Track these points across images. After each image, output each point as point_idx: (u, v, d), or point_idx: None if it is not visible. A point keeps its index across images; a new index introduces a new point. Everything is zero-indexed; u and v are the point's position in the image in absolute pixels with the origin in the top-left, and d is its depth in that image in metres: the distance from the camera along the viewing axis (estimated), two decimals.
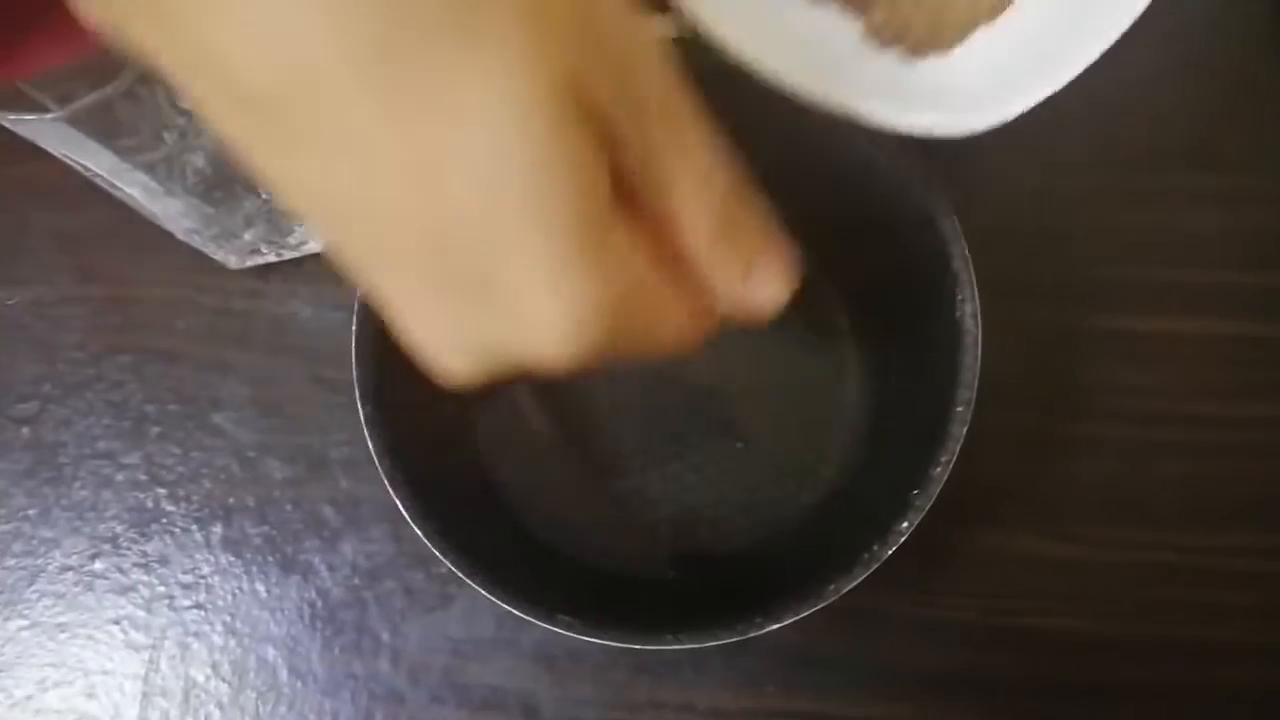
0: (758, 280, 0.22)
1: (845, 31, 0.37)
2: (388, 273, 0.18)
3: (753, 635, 0.33)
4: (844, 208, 0.40)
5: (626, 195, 0.18)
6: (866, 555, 0.33)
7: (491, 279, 0.17)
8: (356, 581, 0.42)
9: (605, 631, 0.34)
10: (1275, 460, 0.41)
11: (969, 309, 0.35)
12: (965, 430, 0.34)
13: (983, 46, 0.34)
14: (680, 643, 0.33)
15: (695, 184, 0.19)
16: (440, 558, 0.34)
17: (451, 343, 0.19)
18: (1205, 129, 0.43)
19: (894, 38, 0.36)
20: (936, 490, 0.33)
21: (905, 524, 0.33)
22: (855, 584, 0.33)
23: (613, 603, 0.38)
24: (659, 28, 0.40)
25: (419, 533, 0.34)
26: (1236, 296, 0.42)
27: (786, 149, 0.39)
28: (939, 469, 0.33)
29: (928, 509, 0.33)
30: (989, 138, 0.43)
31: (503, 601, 0.34)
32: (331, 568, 0.42)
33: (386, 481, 0.35)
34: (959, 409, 0.34)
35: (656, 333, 0.20)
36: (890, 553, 0.33)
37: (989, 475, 0.41)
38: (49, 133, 0.32)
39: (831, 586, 0.33)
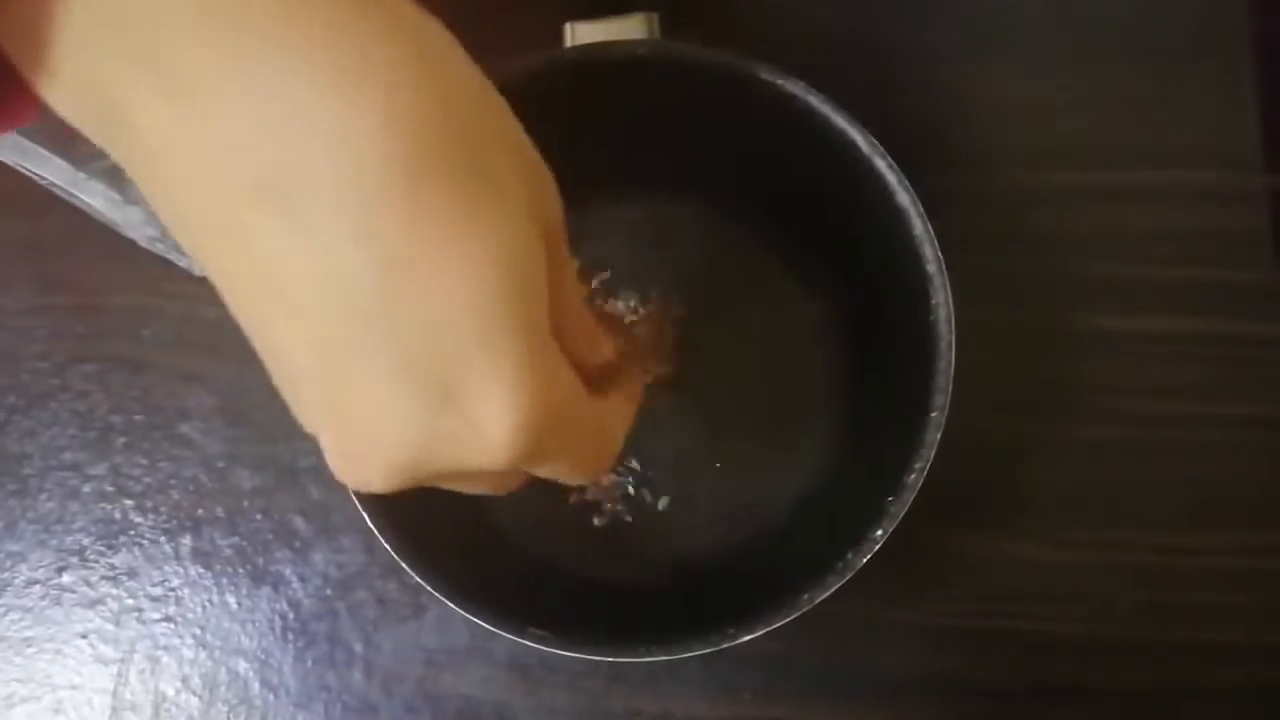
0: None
1: None
2: (354, 363, 0.18)
3: (726, 646, 0.32)
4: (819, 210, 0.40)
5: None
6: (840, 564, 0.33)
7: (452, 378, 0.18)
8: (328, 592, 0.41)
9: (578, 644, 0.34)
10: (1262, 460, 0.41)
11: (943, 313, 0.34)
12: (940, 436, 0.33)
13: None
14: (653, 654, 0.33)
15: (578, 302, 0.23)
16: (408, 570, 0.34)
17: (394, 438, 0.19)
18: (1187, 127, 0.43)
19: None
20: (911, 497, 0.33)
21: (880, 531, 0.33)
22: (829, 593, 0.32)
23: (585, 613, 0.37)
24: (628, 29, 0.40)
25: (387, 546, 0.34)
26: (1222, 295, 0.42)
27: (759, 144, 0.39)
28: (913, 475, 0.33)
29: (903, 515, 0.33)
30: (965, 137, 0.44)
31: (474, 616, 0.33)
32: (303, 578, 0.42)
33: (353, 492, 0.35)
34: (933, 415, 0.33)
35: (576, 447, 0.22)
36: (865, 560, 0.33)
37: (970, 478, 0.40)
38: (4, 144, 0.32)
39: (805, 596, 0.32)
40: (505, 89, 0.20)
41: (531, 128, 0.20)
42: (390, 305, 0.17)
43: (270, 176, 0.16)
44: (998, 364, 0.41)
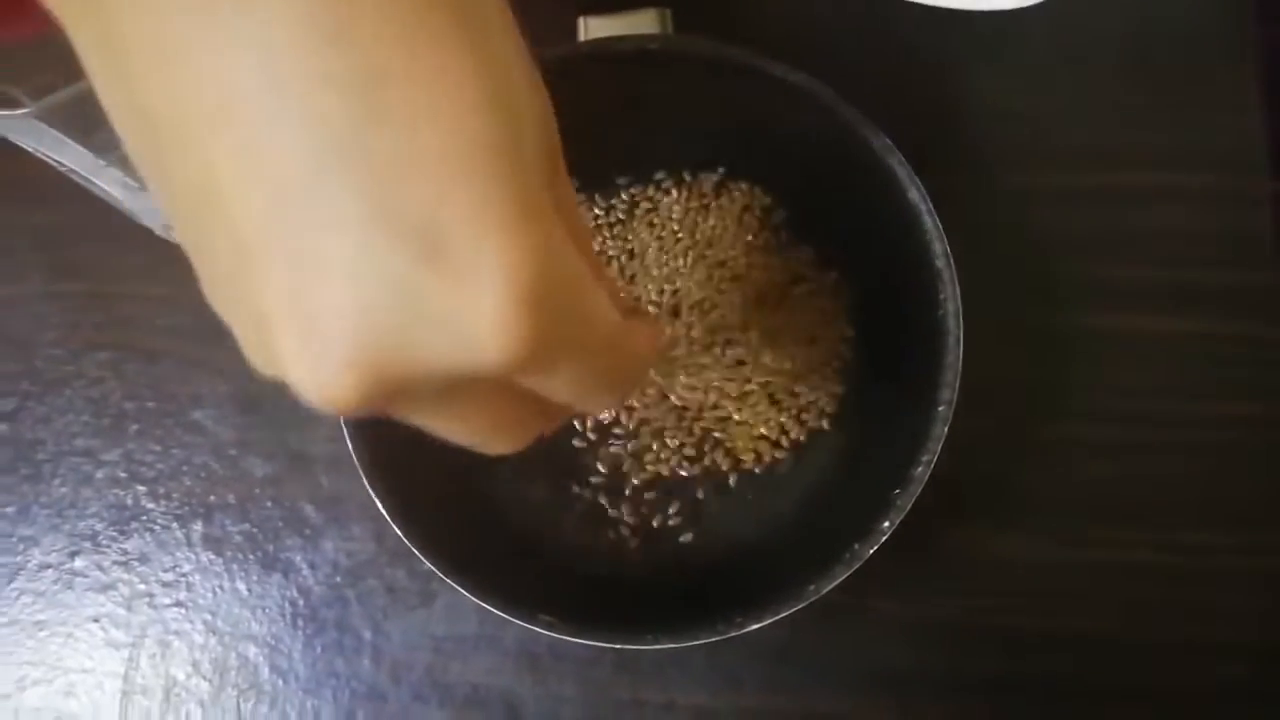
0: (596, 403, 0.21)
1: None
2: (318, 209, 0.15)
3: (733, 635, 0.33)
4: (827, 204, 0.40)
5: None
6: (847, 555, 0.33)
7: (437, 226, 0.15)
8: (338, 579, 0.42)
9: (586, 631, 0.34)
10: (1261, 459, 0.41)
11: (951, 307, 0.35)
12: (946, 429, 0.34)
13: None
14: (660, 642, 0.33)
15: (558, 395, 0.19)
16: (420, 556, 0.34)
17: (368, 305, 0.15)
18: (1188, 131, 0.43)
19: None
20: (918, 490, 0.33)
21: (886, 523, 0.33)
22: (835, 584, 0.33)
23: (594, 602, 0.38)
24: (641, 24, 0.40)
25: (398, 531, 0.34)
26: (1224, 297, 0.42)
27: (769, 138, 0.39)
28: (920, 468, 0.33)
29: (909, 508, 0.33)
30: (971, 135, 0.44)
31: (484, 601, 0.34)
32: (313, 566, 0.42)
33: (365, 479, 0.35)
34: (940, 409, 0.34)
35: (589, 347, 0.18)
36: (871, 552, 0.33)
37: (973, 474, 0.41)
38: (22, 129, 0.32)
39: (811, 586, 0.33)
40: None
41: None
42: (360, 129, 0.14)
43: None
44: (1002, 363, 0.41)
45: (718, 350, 0.41)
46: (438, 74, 0.15)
